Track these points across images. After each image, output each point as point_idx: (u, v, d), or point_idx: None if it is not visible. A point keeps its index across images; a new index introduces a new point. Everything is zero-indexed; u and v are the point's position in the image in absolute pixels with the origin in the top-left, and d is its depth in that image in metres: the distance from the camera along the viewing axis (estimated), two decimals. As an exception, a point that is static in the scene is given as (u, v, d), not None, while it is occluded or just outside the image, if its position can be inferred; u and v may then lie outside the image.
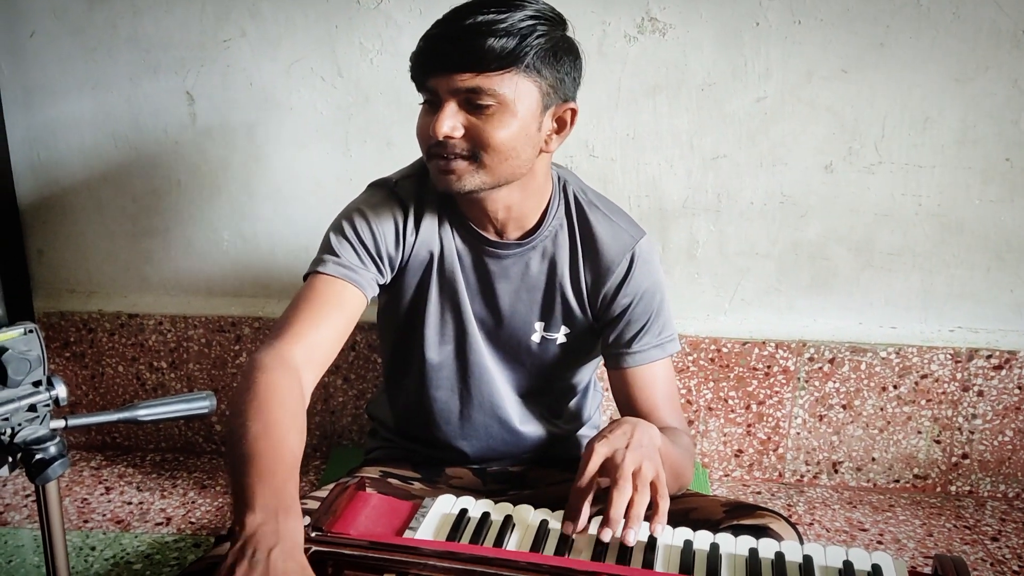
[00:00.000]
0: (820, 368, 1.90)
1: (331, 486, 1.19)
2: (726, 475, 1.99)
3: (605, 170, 1.86)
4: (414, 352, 1.34)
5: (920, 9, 1.70)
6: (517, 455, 1.43)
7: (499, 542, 1.03)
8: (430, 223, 1.27)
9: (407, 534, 1.04)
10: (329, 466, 1.93)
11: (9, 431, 0.77)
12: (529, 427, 1.40)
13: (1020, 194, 1.80)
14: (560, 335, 1.32)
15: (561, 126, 1.20)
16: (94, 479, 1.96)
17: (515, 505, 1.11)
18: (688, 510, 1.16)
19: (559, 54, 1.13)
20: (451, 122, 1.11)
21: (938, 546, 1.75)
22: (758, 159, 1.83)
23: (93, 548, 1.70)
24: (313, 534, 1.00)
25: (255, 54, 1.84)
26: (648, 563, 0.98)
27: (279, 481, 0.92)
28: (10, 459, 0.78)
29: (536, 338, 1.32)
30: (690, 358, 1.92)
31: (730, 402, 1.94)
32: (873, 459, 1.94)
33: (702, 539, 1.03)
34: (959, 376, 1.87)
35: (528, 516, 1.09)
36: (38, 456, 0.76)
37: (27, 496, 1.87)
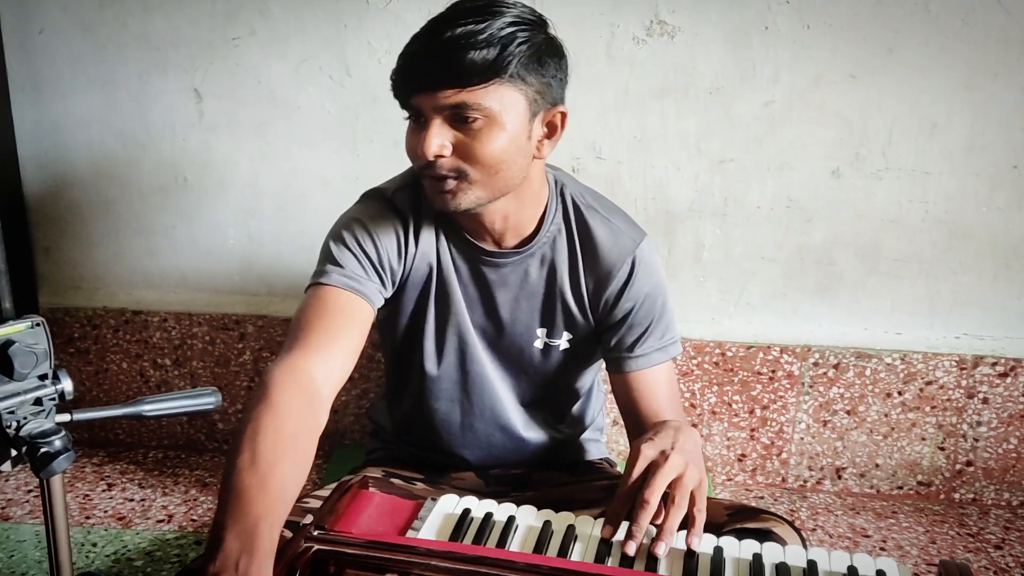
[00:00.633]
0: (825, 373, 1.89)
1: (333, 485, 1.19)
2: (729, 479, 1.99)
3: (612, 172, 1.86)
4: (413, 365, 1.33)
5: (929, 15, 1.70)
6: (520, 461, 1.42)
7: (502, 543, 1.03)
8: (428, 236, 1.25)
9: (410, 534, 1.04)
10: (331, 465, 1.93)
11: (15, 424, 0.77)
12: (532, 434, 1.39)
13: (1028, 201, 1.80)
14: (563, 341, 1.31)
15: (552, 131, 1.17)
16: (96, 475, 1.96)
17: (519, 506, 1.11)
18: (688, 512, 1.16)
19: (543, 58, 1.10)
20: (439, 140, 1.08)
21: (941, 553, 1.74)
22: (765, 163, 1.82)
23: (95, 544, 1.70)
24: (315, 532, 1.00)
25: (264, 53, 1.84)
26: (651, 566, 0.97)
27: (251, 521, 0.87)
28: (14, 452, 0.78)
29: (539, 345, 1.31)
30: (694, 361, 1.92)
31: (734, 406, 1.94)
32: (877, 465, 1.93)
33: (705, 542, 1.03)
34: (964, 383, 1.86)
35: (531, 517, 1.08)
36: (43, 450, 0.76)
37: (29, 491, 1.87)
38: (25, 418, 0.78)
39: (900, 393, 1.88)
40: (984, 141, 1.77)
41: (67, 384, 0.80)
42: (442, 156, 1.09)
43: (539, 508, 1.11)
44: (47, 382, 0.79)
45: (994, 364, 1.85)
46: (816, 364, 1.89)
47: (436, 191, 1.13)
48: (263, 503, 0.90)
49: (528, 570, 0.96)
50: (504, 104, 1.08)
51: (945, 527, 1.84)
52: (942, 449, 1.91)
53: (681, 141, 1.83)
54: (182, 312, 2.00)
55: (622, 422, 1.32)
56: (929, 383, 1.87)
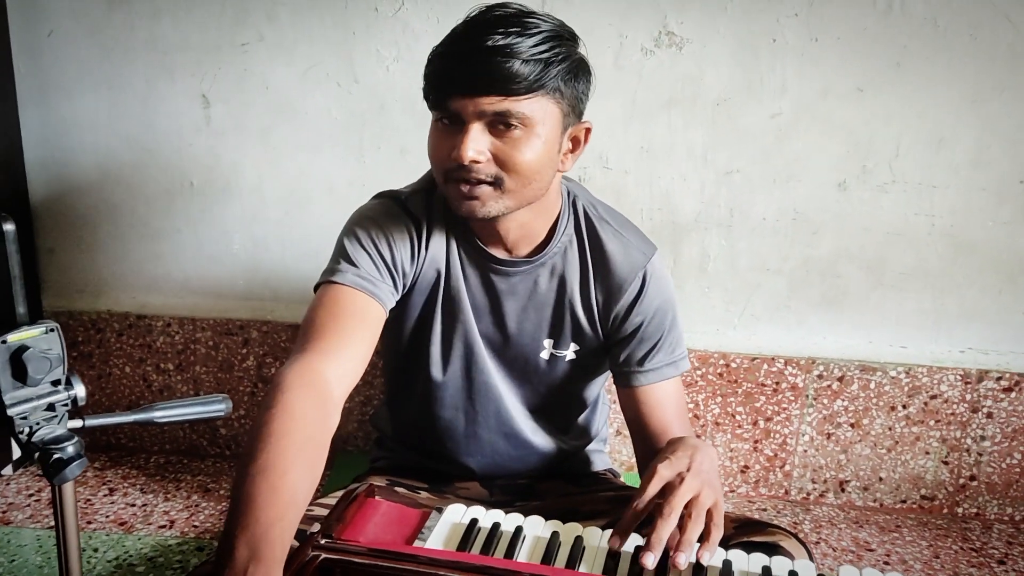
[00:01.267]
0: (829, 386, 1.89)
1: (339, 493, 1.18)
2: (732, 491, 1.98)
3: (618, 182, 1.86)
4: (418, 371, 1.32)
5: (937, 30, 1.70)
6: (524, 471, 1.42)
7: (510, 553, 1.03)
8: (438, 241, 1.25)
9: (417, 543, 1.04)
10: (334, 473, 1.92)
11: (27, 430, 0.77)
12: (536, 444, 1.38)
13: (1033, 216, 1.80)
14: (569, 352, 1.31)
15: (575, 145, 1.18)
16: (98, 480, 1.96)
17: (526, 516, 1.10)
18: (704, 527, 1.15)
19: (578, 75, 1.12)
20: (478, 145, 1.08)
21: (944, 568, 1.74)
22: (772, 175, 1.82)
23: (96, 549, 1.70)
24: (323, 541, 1.00)
25: (272, 58, 1.84)
26: (660, 579, 0.97)
27: (262, 527, 0.87)
28: (16, 455, 0.78)
29: (545, 355, 1.31)
30: (699, 372, 1.91)
31: (737, 417, 1.93)
32: (880, 479, 1.93)
33: (714, 556, 1.03)
34: (968, 397, 1.86)
35: (539, 527, 1.08)
36: (56, 456, 0.76)
37: (30, 496, 1.87)
38: (38, 423, 0.78)
39: (904, 407, 1.88)
40: (991, 156, 1.77)
41: (80, 390, 0.80)
42: (478, 162, 1.09)
43: (546, 518, 1.10)
44: (60, 388, 0.79)
45: (999, 379, 1.85)
46: (820, 376, 1.89)
47: (464, 196, 1.12)
48: (274, 509, 0.89)
49: (537, 582, 0.96)
50: (543, 115, 1.09)
51: (948, 541, 1.83)
52: (946, 463, 1.91)
53: (688, 152, 1.83)
54: (186, 317, 2.00)
55: (625, 432, 1.32)
56: (933, 397, 1.87)
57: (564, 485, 1.42)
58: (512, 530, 1.07)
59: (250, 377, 2.02)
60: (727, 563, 1.01)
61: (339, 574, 0.98)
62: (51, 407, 0.78)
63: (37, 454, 0.76)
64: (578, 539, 1.05)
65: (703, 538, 1.01)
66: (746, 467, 1.96)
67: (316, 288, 1.20)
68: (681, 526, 1.00)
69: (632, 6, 1.75)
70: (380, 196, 1.29)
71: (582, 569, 1.00)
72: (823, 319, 1.91)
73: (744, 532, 1.14)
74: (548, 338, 1.30)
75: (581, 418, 1.44)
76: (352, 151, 1.89)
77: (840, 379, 1.88)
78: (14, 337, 0.76)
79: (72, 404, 0.80)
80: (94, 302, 2.03)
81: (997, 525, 1.90)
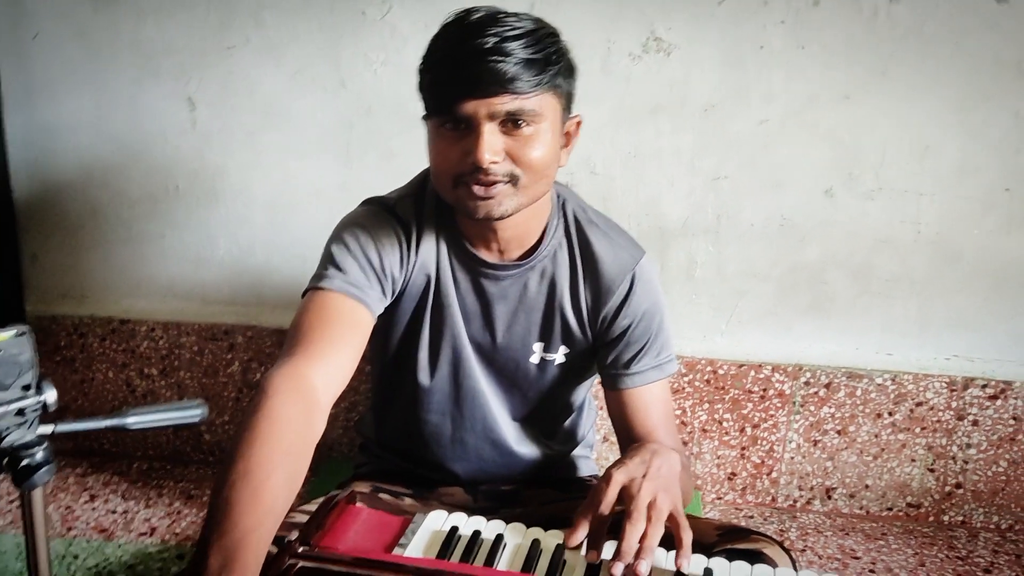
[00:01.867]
0: (816, 393, 1.89)
1: (320, 500, 1.17)
2: (719, 498, 1.98)
3: (605, 188, 1.85)
4: (406, 376, 1.32)
5: (923, 38, 1.71)
6: (510, 477, 1.41)
7: (490, 561, 1.02)
8: (428, 246, 1.24)
9: (396, 551, 1.03)
10: (318, 479, 1.91)
11: (-4, 435, 0.75)
12: (523, 450, 1.38)
13: (1019, 224, 1.80)
14: (559, 356, 1.30)
15: (567, 139, 1.20)
16: (79, 486, 1.94)
17: (507, 523, 1.10)
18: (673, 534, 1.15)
19: (571, 69, 1.14)
20: (494, 147, 1.08)
21: (930, 576, 1.74)
22: (759, 181, 1.82)
23: (76, 556, 1.68)
24: (301, 549, 0.99)
25: (258, 62, 1.83)
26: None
27: (239, 534, 0.86)
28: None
29: (535, 359, 1.30)
30: (686, 379, 1.91)
31: (724, 424, 1.93)
32: (867, 486, 1.93)
33: (695, 563, 1.02)
34: (954, 405, 1.86)
35: (520, 535, 1.07)
36: (24, 462, 0.74)
37: (12, 501, 1.85)
38: (7, 429, 0.76)
39: (891, 414, 1.88)
40: (976, 163, 1.78)
41: (51, 395, 0.78)
42: (496, 162, 1.09)
43: (528, 525, 1.10)
44: (30, 392, 0.78)
45: (984, 386, 1.85)
46: (807, 383, 1.88)
47: (478, 197, 1.11)
48: (253, 516, 0.88)
49: (516, 589, 0.95)
50: (548, 111, 1.10)
51: (934, 549, 1.83)
52: (932, 471, 1.91)
53: (675, 158, 1.83)
54: (170, 321, 1.98)
55: (613, 439, 1.32)
56: (919, 404, 1.87)
57: (549, 492, 1.41)
58: (493, 538, 1.06)
59: (235, 383, 2.00)
60: (708, 571, 1.00)
61: (317, 582, 0.97)
62: (21, 412, 0.77)
63: (5, 460, 0.75)
64: (559, 547, 1.04)
65: (676, 546, 1.00)
66: (733, 474, 1.96)
67: (304, 295, 1.19)
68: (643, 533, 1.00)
69: (619, 12, 1.75)
70: (368, 202, 1.29)
71: (563, 577, 1.00)
72: (810, 326, 1.91)
73: (727, 539, 1.13)
74: (538, 341, 1.29)
75: (567, 423, 1.44)
76: (339, 155, 1.88)
77: (827, 386, 1.88)
78: (-17, 341, 0.75)
79: (43, 409, 0.79)
80: (77, 307, 2.01)
81: (983, 533, 1.90)
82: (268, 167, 1.90)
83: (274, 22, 1.80)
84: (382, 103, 1.84)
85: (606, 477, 1.05)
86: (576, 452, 1.48)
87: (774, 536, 1.52)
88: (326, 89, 1.84)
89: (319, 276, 1.19)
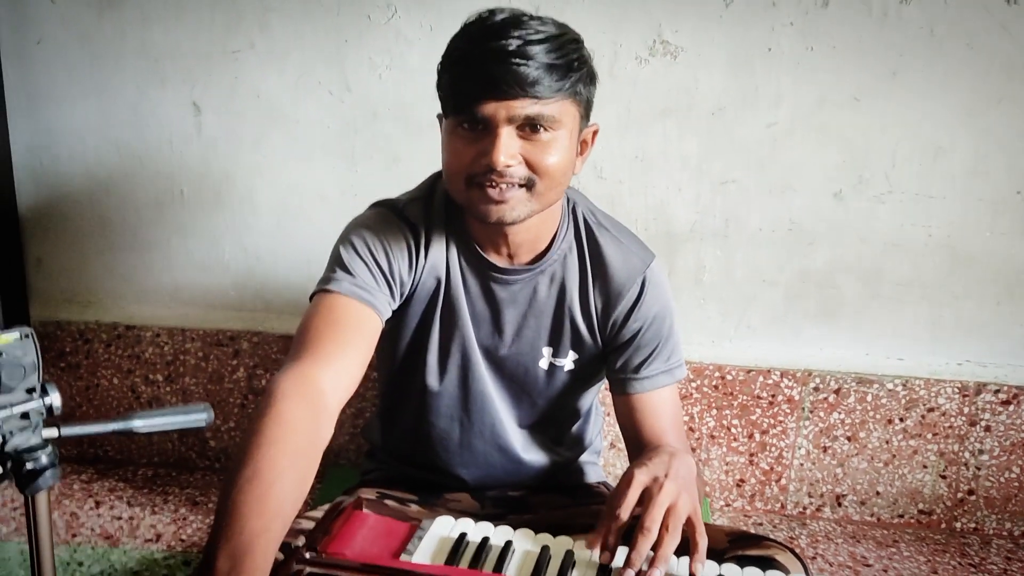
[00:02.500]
0: (825, 398, 1.87)
1: (327, 506, 1.16)
2: (727, 505, 1.96)
3: (613, 192, 1.84)
4: (414, 380, 1.31)
5: (934, 39, 1.69)
6: (517, 483, 1.40)
7: (499, 567, 1.01)
8: (438, 249, 1.23)
9: (404, 557, 1.02)
10: (324, 486, 1.90)
11: (0, 439, 0.74)
12: (531, 455, 1.37)
13: (1031, 228, 1.79)
14: (568, 361, 1.30)
15: (583, 147, 1.19)
16: (84, 492, 1.93)
17: (515, 529, 1.08)
18: (688, 538, 1.14)
19: (592, 77, 1.14)
20: (510, 150, 1.07)
21: (943, 584, 1.72)
22: (767, 185, 1.81)
23: (80, 563, 1.67)
24: (308, 555, 0.98)
25: (263, 66, 1.83)
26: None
27: (246, 539, 0.85)
28: (-1, 468, 0.75)
29: (544, 364, 1.29)
30: (694, 384, 1.89)
31: (733, 430, 1.91)
32: (878, 493, 1.91)
33: (707, 569, 1.01)
34: (966, 410, 1.84)
35: (529, 541, 1.06)
36: (29, 465, 0.73)
37: (15, 508, 1.84)
38: (11, 432, 0.75)
39: (902, 420, 1.86)
40: (988, 166, 1.76)
41: (55, 398, 0.77)
42: (510, 165, 1.08)
43: (536, 532, 1.09)
44: (34, 395, 0.77)
45: (997, 391, 1.83)
46: (817, 389, 1.87)
47: (491, 200, 1.11)
48: (260, 520, 0.88)
49: (526, 597, 0.93)
50: (567, 118, 1.10)
51: (947, 557, 1.81)
52: (944, 477, 1.89)
53: (683, 162, 1.81)
54: (175, 327, 1.97)
55: (619, 445, 1.31)
56: (931, 410, 1.85)
57: (557, 497, 1.40)
58: (501, 544, 1.05)
59: (240, 389, 1.99)
60: (721, 578, 0.99)
61: (324, 589, 0.96)
62: (25, 415, 0.76)
63: (9, 463, 0.74)
64: (568, 553, 1.03)
65: (691, 550, 1.00)
66: (742, 481, 1.94)
67: (312, 297, 1.18)
68: (658, 539, 0.99)
69: (626, 15, 1.74)
70: (377, 205, 1.28)
71: (573, 584, 0.98)
72: (819, 330, 1.90)
73: (739, 546, 1.12)
74: (547, 346, 1.29)
75: (575, 428, 1.43)
76: (344, 160, 1.87)
77: (837, 391, 1.86)
78: (-13, 343, 0.74)
79: (48, 412, 0.78)
80: (82, 312, 2.00)
81: (996, 540, 1.88)
82: (273, 172, 1.90)
83: (279, 27, 1.80)
84: (387, 107, 1.83)
85: (627, 477, 1.05)
86: (583, 458, 1.47)
87: (785, 543, 1.51)
88: (331, 94, 1.83)
89: (327, 279, 1.18)
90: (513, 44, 1.04)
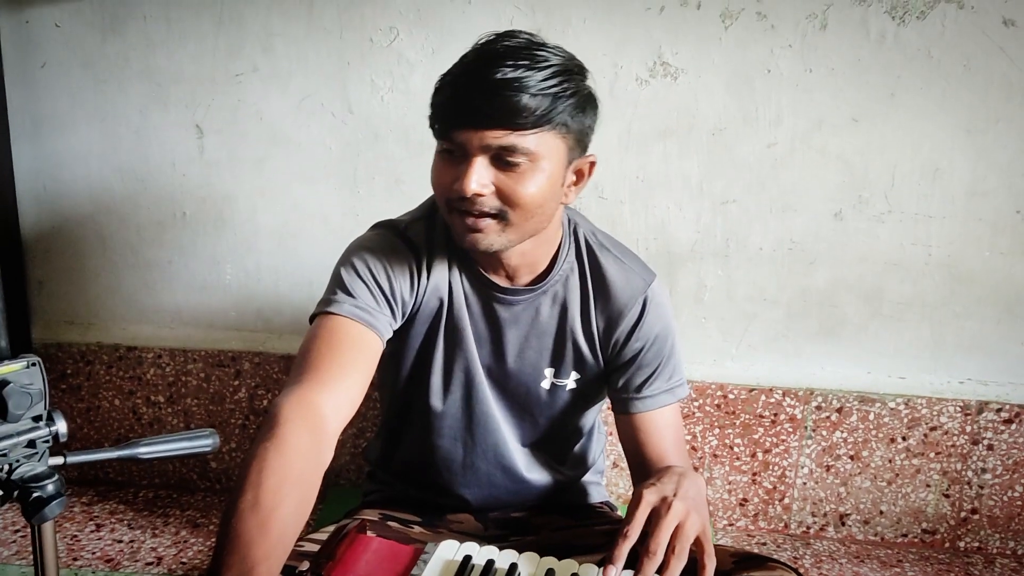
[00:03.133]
0: (828, 417, 1.87)
1: (330, 528, 1.16)
2: (730, 524, 1.95)
3: (614, 212, 1.85)
4: (417, 400, 1.31)
5: (931, 60, 1.71)
6: (520, 503, 1.40)
7: (505, 592, 1.00)
8: (440, 269, 1.23)
9: (409, 581, 1.01)
10: (326, 506, 1.89)
11: (7, 467, 0.74)
12: (534, 475, 1.37)
13: (1030, 246, 1.79)
14: (570, 381, 1.29)
15: (579, 177, 1.18)
16: (85, 515, 1.92)
17: (520, 552, 1.08)
18: (696, 559, 1.13)
19: (586, 108, 1.12)
20: (481, 179, 1.07)
21: (948, 604, 1.71)
22: (768, 205, 1.82)
23: (82, 587, 1.66)
24: (312, 580, 0.97)
25: (266, 89, 1.84)
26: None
27: (248, 565, 0.85)
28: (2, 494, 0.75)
29: (546, 384, 1.29)
30: (696, 404, 1.89)
31: (736, 449, 1.91)
32: (881, 512, 1.90)
33: (713, 592, 1.00)
34: (969, 429, 1.84)
35: (534, 564, 1.06)
36: (35, 494, 0.73)
37: (16, 532, 1.83)
38: (18, 461, 0.75)
39: (904, 438, 1.86)
40: (987, 186, 1.77)
41: (61, 426, 0.77)
42: (481, 195, 1.08)
43: (541, 553, 1.08)
44: (41, 424, 0.77)
45: (999, 410, 1.83)
46: (819, 408, 1.87)
47: (466, 228, 1.11)
48: (263, 547, 0.87)
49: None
50: (548, 150, 1.08)
51: (951, 576, 1.80)
52: (947, 496, 1.88)
53: (683, 182, 1.82)
54: (177, 348, 1.97)
55: (622, 465, 1.30)
56: (933, 428, 1.85)
57: (560, 519, 1.39)
58: (507, 567, 1.04)
59: (242, 409, 1.99)
60: (727, 601, 0.98)
61: (329, 614, 0.95)
62: (32, 444, 0.76)
63: (16, 492, 0.74)
64: (574, 576, 1.03)
65: (698, 572, 0.99)
66: (745, 500, 1.94)
67: (312, 319, 1.18)
68: (664, 561, 0.99)
69: (627, 36, 1.75)
70: (378, 226, 1.28)
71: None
72: (821, 350, 1.90)
73: (743, 567, 1.12)
74: (549, 367, 1.28)
75: (577, 448, 1.42)
76: (346, 182, 1.88)
77: (839, 410, 1.86)
78: (-6, 371, 0.74)
79: (53, 441, 0.77)
80: (84, 333, 2.00)
81: (1000, 559, 1.87)
82: (275, 194, 1.90)
83: (282, 49, 1.81)
84: (389, 129, 1.84)
85: (636, 498, 1.04)
86: (586, 478, 1.46)
87: (790, 563, 1.50)
88: (333, 116, 1.84)
89: (328, 300, 1.18)
90: (500, 74, 1.03)
